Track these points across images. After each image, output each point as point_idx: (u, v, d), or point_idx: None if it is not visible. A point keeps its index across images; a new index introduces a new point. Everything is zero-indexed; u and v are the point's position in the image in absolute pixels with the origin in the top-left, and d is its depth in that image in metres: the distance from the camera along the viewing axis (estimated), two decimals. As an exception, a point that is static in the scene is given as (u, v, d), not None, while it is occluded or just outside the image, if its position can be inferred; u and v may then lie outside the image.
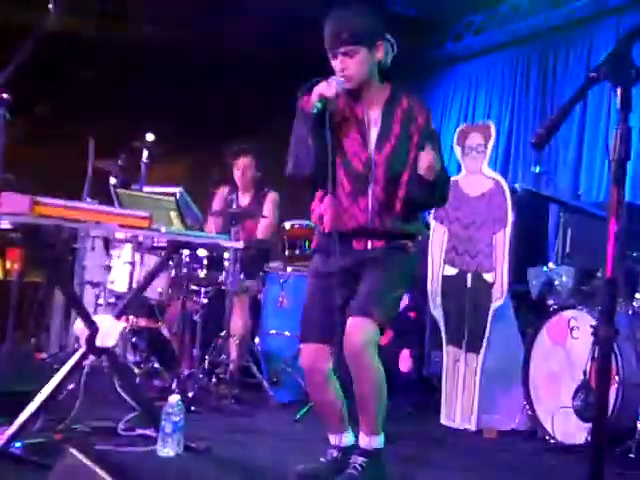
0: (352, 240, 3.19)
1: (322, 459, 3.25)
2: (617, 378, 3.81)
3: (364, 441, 3.12)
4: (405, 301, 5.54)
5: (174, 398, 3.51)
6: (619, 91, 1.75)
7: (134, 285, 5.03)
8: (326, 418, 3.28)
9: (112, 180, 5.33)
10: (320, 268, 3.22)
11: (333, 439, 3.26)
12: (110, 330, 3.68)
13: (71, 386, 4.11)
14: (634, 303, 4.10)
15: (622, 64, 1.76)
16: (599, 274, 4.33)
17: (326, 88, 3.01)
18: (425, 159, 3.02)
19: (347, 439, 3.26)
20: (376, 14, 3.18)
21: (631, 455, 3.65)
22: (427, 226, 5.04)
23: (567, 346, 4.18)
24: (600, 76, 1.76)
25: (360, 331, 3.03)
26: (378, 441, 3.12)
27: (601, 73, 1.76)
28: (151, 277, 4.17)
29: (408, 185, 3.12)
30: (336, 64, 3.10)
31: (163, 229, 3.67)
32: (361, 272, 3.17)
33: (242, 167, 5.72)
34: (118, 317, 3.86)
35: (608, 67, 1.75)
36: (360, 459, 3.09)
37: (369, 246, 3.18)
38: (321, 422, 3.32)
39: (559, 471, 3.67)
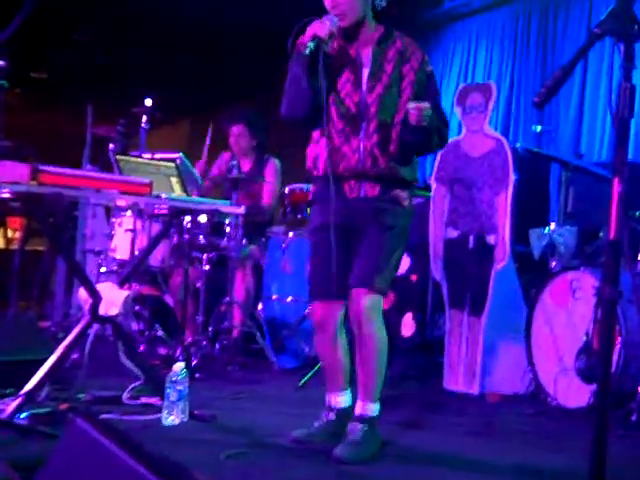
0: (344, 185, 3.16)
1: (316, 423, 3.28)
2: (620, 340, 3.79)
3: (361, 408, 3.14)
4: (407, 264, 5.52)
5: (178, 366, 3.51)
6: (622, 47, 1.72)
7: (136, 253, 5.01)
8: (329, 375, 3.30)
9: (111, 146, 5.29)
10: (318, 222, 3.21)
11: (331, 399, 3.29)
12: (113, 299, 3.68)
13: (75, 355, 4.12)
14: (636, 263, 4.06)
15: (625, 19, 1.72)
16: (602, 234, 4.30)
17: (319, 27, 3.01)
18: (413, 113, 3.00)
19: (345, 400, 3.29)
20: None
21: (633, 417, 3.64)
22: (428, 188, 5.01)
23: (569, 307, 4.16)
24: (603, 32, 1.73)
25: (362, 299, 3.06)
26: (374, 408, 3.14)
27: (604, 29, 1.72)
28: (153, 245, 4.16)
29: (401, 127, 3.11)
30: (328, 1, 3.09)
31: (164, 195, 3.66)
32: (357, 228, 3.16)
33: (235, 135, 5.71)
34: (121, 285, 3.86)
35: (611, 23, 1.72)
36: (360, 426, 3.10)
37: (362, 193, 3.15)
38: (324, 385, 3.33)
39: (562, 434, 3.67)
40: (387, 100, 3.12)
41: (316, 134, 3.26)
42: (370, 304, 3.06)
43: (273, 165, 5.72)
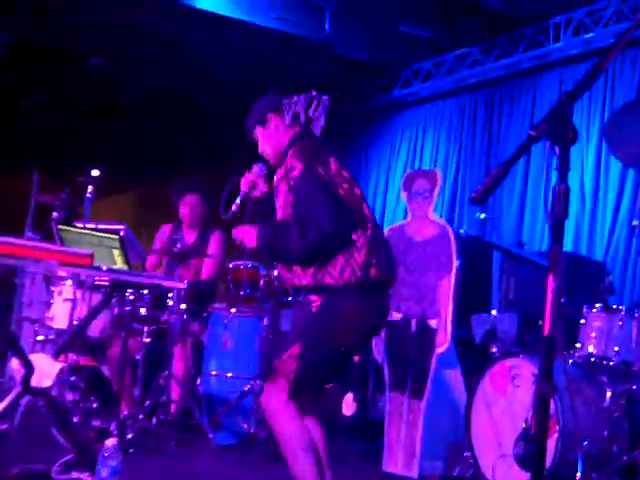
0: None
1: None
2: (557, 429, 3.82)
3: None
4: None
5: (111, 442, 3.43)
6: (557, 151, 1.78)
7: (74, 322, 4.92)
8: None
9: (54, 215, 5.24)
10: None
11: None
12: (47, 370, 3.62)
13: (4, 426, 4.01)
14: (575, 353, 4.13)
15: (560, 124, 1.79)
16: (541, 322, 4.36)
17: (243, 183, 3.43)
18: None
19: None
20: (266, 96, 3.42)
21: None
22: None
23: (509, 394, 4.19)
24: (540, 134, 1.79)
25: (266, 396, 3.12)
26: None
27: (541, 132, 1.79)
28: (92, 316, 4.11)
29: None
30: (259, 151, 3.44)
31: (105, 268, 3.63)
32: None
33: (190, 205, 5.65)
34: (56, 355, 3.79)
35: (547, 126, 1.78)
36: None
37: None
38: (260, 466, 3.30)
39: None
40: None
41: None
42: (272, 402, 3.09)
43: (218, 237, 5.67)
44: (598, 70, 1.82)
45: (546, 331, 1.80)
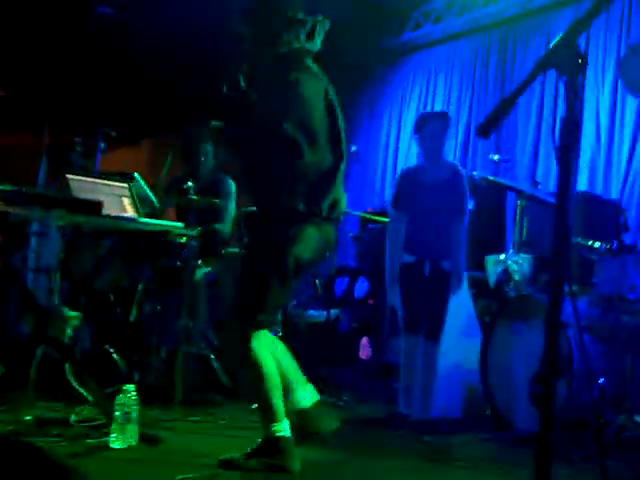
0: None
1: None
2: (574, 367, 3.82)
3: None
4: (365, 288, 5.54)
5: (128, 388, 3.46)
6: (565, 79, 1.73)
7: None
8: None
9: (66, 165, 5.23)
10: None
11: None
12: (62, 319, 3.64)
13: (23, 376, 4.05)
14: (589, 291, 4.11)
15: (569, 52, 1.74)
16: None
17: None
18: None
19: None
20: None
21: (584, 444, 3.66)
22: (385, 214, 5.03)
23: (523, 334, 4.19)
24: (547, 64, 1.74)
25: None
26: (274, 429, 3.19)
27: (548, 61, 1.74)
28: (104, 265, 4.12)
29: None
30: None
31: (113, 215, 3.63)
32: None
33: (200, 153, 5.66)
34: (71, 305, 3.81)
35: (554, 56, 1.73)
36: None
37: None
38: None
39: (516, 460, 3.67)
40: None
41: None
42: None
43: (228, 185, 5.68)
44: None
45: (555, 267, 1.77)
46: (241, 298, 3.22)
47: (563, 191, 1.76)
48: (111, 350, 5.13)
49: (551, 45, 1.74)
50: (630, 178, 5.72)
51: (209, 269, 5.38)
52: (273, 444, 3.18)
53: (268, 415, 3.20)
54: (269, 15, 3.26)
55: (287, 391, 3.30)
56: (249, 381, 3.22)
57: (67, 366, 3.89)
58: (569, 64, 1.72)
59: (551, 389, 1.93)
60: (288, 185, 3.15)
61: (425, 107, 7.78)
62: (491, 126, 1.71)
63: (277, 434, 3.18)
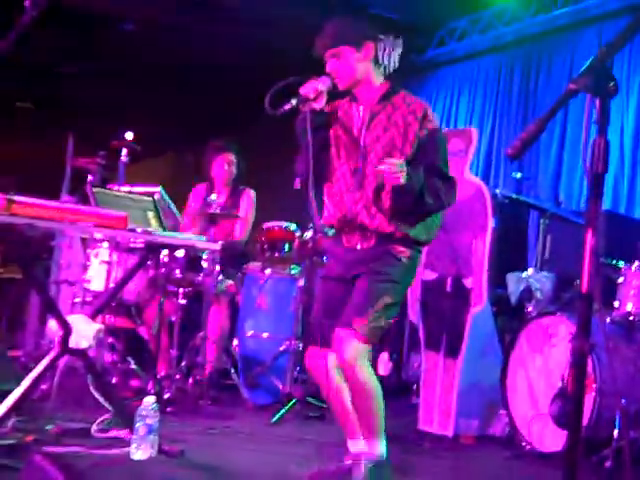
0: (343, 236, 3.24)
1: (337, 464, 3.27)
2: (594, 386, 3.80)
3: (364, 446, 3.15)
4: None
5: (149, 400, 3.48)
6: (597, 103, 1.74)
7: (111, 285, 4.98)
8: (340, 422, 3.28)
9: (90, 178, 5.28)
10: (324, 274, 3.35)
11: (351, 445, 3.25)
12: (84, 331, 3.65)
13: (44, 386, 4.07)
14: (613, 311, 4.08)
15: (601, 76, 1.74)
16: (577, 282, 4.33)
17: (306, 87, 3.10)
18: (380, 174, 3.05)
19: (360, 446, 3.22)
20: (362, 17, 3.33)
21: (607, 464, 3.64)
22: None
23: (545, 353, 4.17)
24: (579, 88, 1.74)
25: (345, 346, 3.05)
26: (379, 445, 3.14)
27: (580, 85, 1.74)
28: (127, 278, 4.14)
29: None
30: (327, 67, 3.20)
31: (139, 230, 3.64)
32: (352, 278, 3.20)
33: (225, 163, 5.71)
34: (93, 317, 3.83)
35: (587, 79, 1.73)
36: (363, 464, 3.12)
37: (358, 246, 3.20)
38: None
39: (535, 478, 3.66)
40: (384, 154, 3.14)
41: (327, 188, 3.33)
42: (352, 351, 3.03)
43: (248, 196, 5.73)
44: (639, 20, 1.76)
45: (584, 288, 1.77)
46: (369, 313, 3.08)
47: (593, 214, 1.76)
48: (132, 362, 5.18)
49: (583, 68, 1.74)
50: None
51: (231, 282, 5.40)
52: (379, 462, 3.14)
53: (376, 430, 3.13)
54: None
55: None
56: (370, 396, 3.09)
57: (89, 377, 3.91)
58: (601, 88, 1.72)
59: (577, 406, 1.91)
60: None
61: (448, 123, 7.78)
62: (524, 149, 1.72)
63: (383, 451, 3.15)
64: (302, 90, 3.09)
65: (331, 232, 3.32)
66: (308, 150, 3.10)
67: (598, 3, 6.38)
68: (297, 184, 3.24)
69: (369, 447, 3.14)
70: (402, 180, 3.00)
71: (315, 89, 3.09)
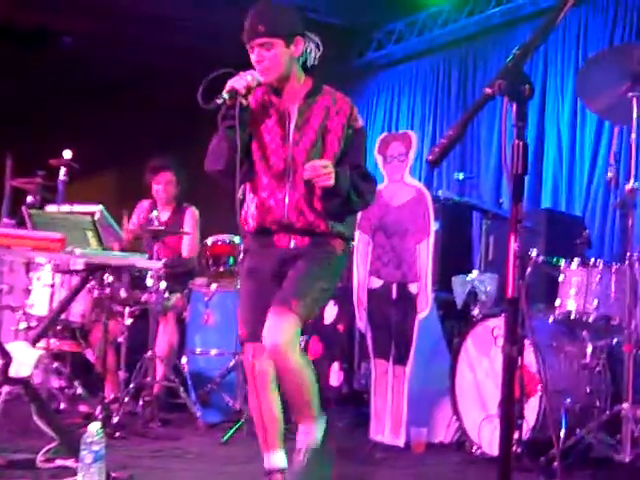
0: (274, 236, 3.17)
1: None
2: (540, 387, 3.81)
3: (304, 435, 3.10)
4: (334, 313, 5.51)
5: (94, 426, 3.39)
6: (514, 107, 1.73)
7: (54, 308, 4.88)
8: (263, 429, 3.16)
9: (29, 199, 5.17)
10: (251, 268, 3.21)
11: (268, 460, 3.16)
12: (25, 358, 3.57)
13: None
14: (555, 310, 4.10)
15: (516, 79, 1.74)
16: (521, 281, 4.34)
17: (237, 81, 3.02)
18: (307, 174, 3.01)
19: (281, 459, 3.15)
20: (295, 12, 3.23)
21: (555, 464, 3.64)
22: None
23: (492, 355, 4.17)
24: (495, 92, 1.73)
25: (278, 329, 2.98)
26: (317, 429, 3.10)
27: (496, 89, 1.73)
28: (69, 300, 4.05)
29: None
30: (253, 57, 3.11)
31: (77, 251, 3.57)
32: (285, 270, 3.14)
33: (163, 182, 5.66)
34: (36, 342, 3.75)
35: (502, 83, 1.72)
36: (304, 448, 3.08)
37: (292, 244, 3.16)
38: (251, 441, 3.25)
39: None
40: (313, 155, 3.11)
41: (247, 191, 3.25)
42: (285, 336, 2.96)
43: (192, 214, 5.69)
44: (551, 23, 1.77)
45: (510, 293, 1.76)
46: (307, 295, 3.06)
47: (514, 217, 1.75)
48: (79, 386, 5.09)
49: (498, 73, 1.73)
50: (592, 194, 5.76)
51: (178, 296, 5.34)
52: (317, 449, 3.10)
53: (312, 412, 3.09)
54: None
55: None
56: (303, 381, 3.03)
57: (33, 405, 3.81)
58: (516, 91, 1.72)
59: (509, 411, 1.90)
60: None
61: (390, 126, 7.80)
62: (443, 156, 1.70)
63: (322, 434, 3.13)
64: (234, 83, 3.00)
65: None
66: (232, 148, 3.01)
67: (532, 1, 6.46)
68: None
69: (307, 432, 3.09)
70: (331, 182, 2.99)
71: (247, 83, 3.01)
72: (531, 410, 3.80)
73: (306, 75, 3.21)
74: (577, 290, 3.98)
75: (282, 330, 2.97)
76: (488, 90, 1.74)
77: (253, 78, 3.04)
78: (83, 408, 5.00)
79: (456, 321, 4.91)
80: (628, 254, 3.76)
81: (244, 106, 3.04)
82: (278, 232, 3.16)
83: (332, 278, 3.21)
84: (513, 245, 1.75)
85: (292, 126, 3.15)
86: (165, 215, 5.64)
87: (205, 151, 3.19)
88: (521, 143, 1.75)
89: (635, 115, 3.75)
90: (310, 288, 3.07)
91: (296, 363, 3.01)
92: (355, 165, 3.13)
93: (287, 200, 3.12)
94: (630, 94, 3.77)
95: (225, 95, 2.97)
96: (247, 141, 3.12)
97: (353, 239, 3.42)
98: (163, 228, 5.16)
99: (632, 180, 3.75)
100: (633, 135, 3.77)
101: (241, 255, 3.45)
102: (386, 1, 7.18)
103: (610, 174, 3.87)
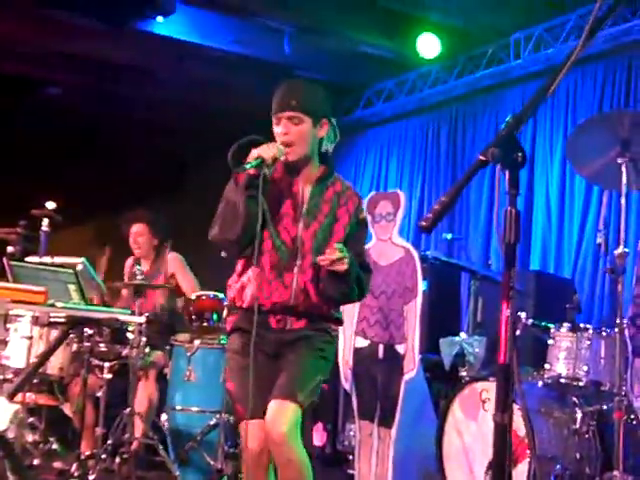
0: (270, 317, 3.10)
1: None
2: (528, 452, 3.74)
3: None
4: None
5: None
6: (507, 174, 1.71)
7: (32, 361, 4.78)
8: None
9: (9, 249, 5.10)
10: (244, 345, 3.08)
11: None
12: (1, 412, 3.48)
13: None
14: (544, 374, 4.05)
15: (509, 147, 1.72)
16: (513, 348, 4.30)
17: (264, 150, 2.97)
18: (324, 263, 2.97)
19: None
20: (327, 95, 3.22)
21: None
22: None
23: (479, 418, 4.10)
24: (488, 159, 1.71)
25: (283, 419, 2.94)
26: None
27: (489, 156, 1.71)
28: (49, 354, 3.98)
29: (325, 278, 3.04)
30: (279, 129, 3.07)
31: (59, 304, 3.51)
32: (283, 352, 3.10)
33: (134, 233, 5.63)
34: (12, 396, 3.66)
35: (495, 150, 1.70)
36: None
37: (288, 326, 3.11)
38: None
39: None
40: (320, 238, 3.09)
41: (241, 264, 3.18)
42: (290, 424, 2.92)
43: (174, 260, 5.61)
44: (543, 93, 1.75)
45: (502, 359, 1.71)
46: (308, 387, 3.04)
47: (507, 284, 1.71)
48: (55, 442, 4.97)
49: (491, 141, 1.71)
50: (581, 258, 5.75)
51: (159, 353, 5.25)
52: None
53: None
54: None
55: None
56: (301, 474, 2.96)
57: (7, 461, 3.71)
58: (509, 159, 1.70)
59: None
60: None
61: (378, 184, 7.82)
62: (436, 222, 1.67)
63: None
64: (262, 152, 2.95)
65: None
66: (250, 219, 2.94)
67: (520, 65, 6.54)
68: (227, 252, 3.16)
69: None
70: (345, 267, 2.95)
71: (272, 155, 2.96)
72: (519, 476, 3.72)
73: (320, 159, 3.20)
74: (567, 355, 3.94)
75: (287, 420, 2.94)
76: (482, 157, 1.72)
77: (278, 150, 3.00)
78: (57, 464, 4.87)
79: (443, 383, 4.84)
80: (618, 320, 3.72)
81: (267, 177, 3.00)
82: (276, 313, 3.10)
83: (327, 368, 3.21)
84: (506, 312, 1.70)
85: (304, 209, 3.12)
86: (146, 265, 5.59)
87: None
88: (514, 211, 1.72)
89: (624, 180, 3.75)
90: (310, 381, 3.06)
91: (299, 454, 2.97)
92: (356, 254, 3.10)
93: (295, 283, 3.08)
94: (619, 160, 3.78)
95: (253, 162, 2.93)
96: (264, 214, 3.02)
97: (342, 323, 3.37)
98: (144, 282, 5.08)
99: (621, 245, 3.73)
100: (622, 200, 3.77)
101: (227, 326, 3.30)
102: (376, 60, 7.24)
103: (599, 239, 3.85)
